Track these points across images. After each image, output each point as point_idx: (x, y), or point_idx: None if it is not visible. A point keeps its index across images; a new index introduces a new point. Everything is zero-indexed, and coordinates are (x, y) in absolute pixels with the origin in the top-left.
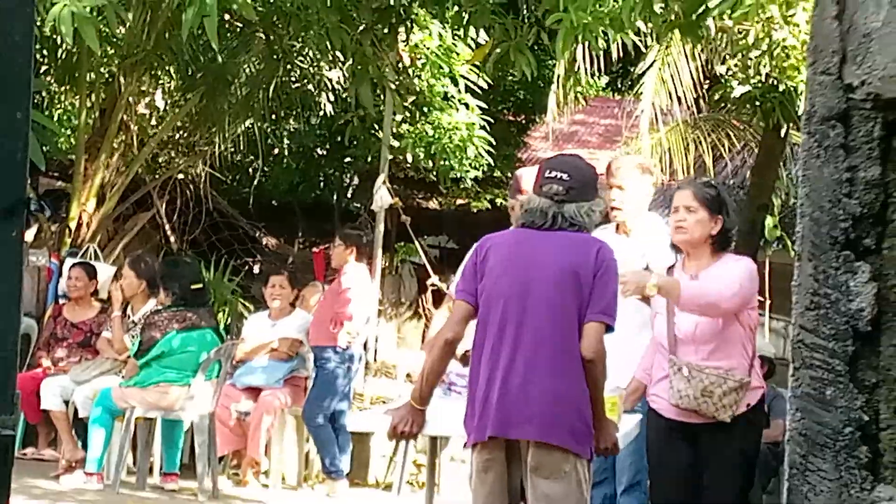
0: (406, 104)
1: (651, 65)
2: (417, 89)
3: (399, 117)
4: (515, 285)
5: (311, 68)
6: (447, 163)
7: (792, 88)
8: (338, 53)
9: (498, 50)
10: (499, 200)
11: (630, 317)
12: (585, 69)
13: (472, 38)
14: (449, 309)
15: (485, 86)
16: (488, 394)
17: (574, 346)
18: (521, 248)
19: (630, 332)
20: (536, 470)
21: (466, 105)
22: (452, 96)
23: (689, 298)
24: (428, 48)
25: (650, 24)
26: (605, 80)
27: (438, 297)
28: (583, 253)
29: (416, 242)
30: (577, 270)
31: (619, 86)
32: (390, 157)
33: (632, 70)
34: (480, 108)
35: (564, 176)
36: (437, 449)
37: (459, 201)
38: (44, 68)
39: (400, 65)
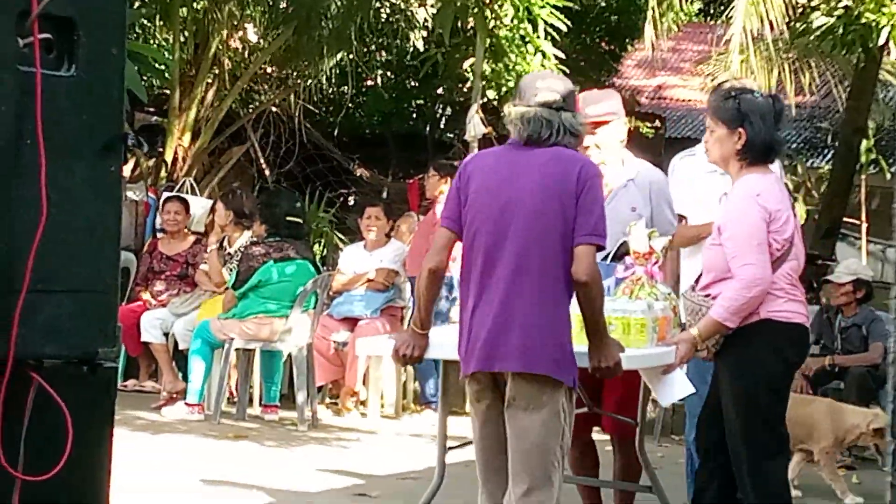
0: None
1: None
2: (496, 30)
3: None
4: (497, 211)
5: (400, 4)
6: None
7: (874, 23)
8: None
9: None
10: None
11: None
12: None
13: None
14: None
15: (564, 28)
16: (472, 325)
17: (558, 270)
18: (503, 170)
19: None
20: (514, 401)
21: (542, 53)
22: (528, 41)
23: (734, 311)
24: None
25: None
26: (697, 5)
27: None
28: (566, 171)
29: None
30: (561, 190)
31: (711, 11)
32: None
33: None
34: (557, 56)
35: (556, 85)
36: (448, 374)
37: None
38: (136, 4)
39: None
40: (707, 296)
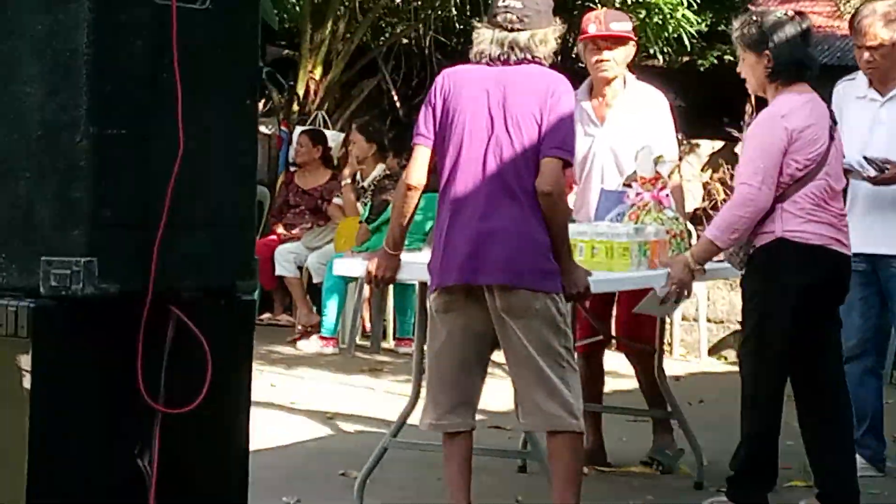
0: None
1: None
2: None
3: None
4: (476, 126)
5: None
6: (643, 40)
7: None
8: None
9: None
10: (727, 57)
11: None
12: None
13: None
14: None
15: None
16: (450, 238)
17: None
18: (480, 87)
19: None
20: (508, 311)
21: None
22: None
23: (723, 230)
24: None
25: None
26: None
27: None
28: (539, 87)
29: None
30: (534, 106)
31: None
32: None
33: None
34: None
35: (515, 4)
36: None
37: (685, 59)
38: None
39: None
40: None
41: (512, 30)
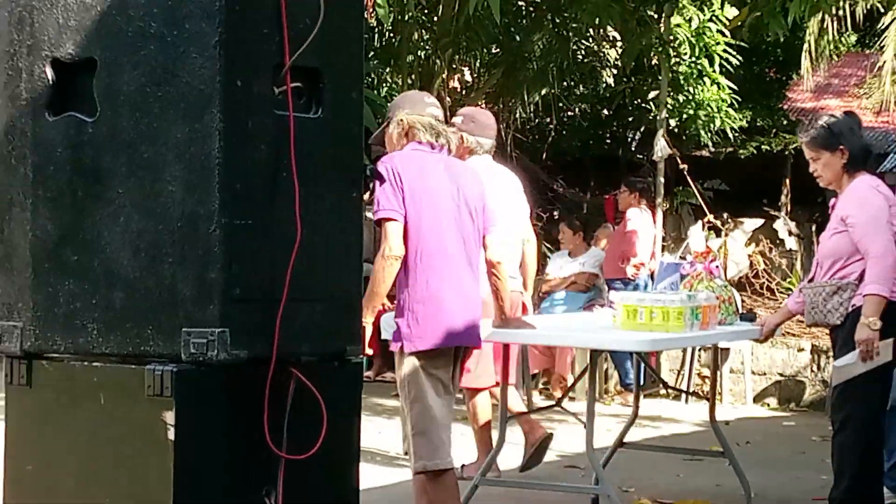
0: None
1: (890, 23)
2: (677, 66)
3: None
4: (445, 209)
5: (594, 46)
6: (694, 132)
7: None
8: (615, 34)
9: (753, 15)
10: (764, 147)
11: None
12: (836, 28)
13: (724, 17)
14: None
15: (736, 62)
16: (445, 306)
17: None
18: (437, 174)
19: None
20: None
21: (718, 84)
22: (706, 75)
23: (883, 281)
24: (685, 29)
25: None
26: (854, 37)
27: (715, 232)
28: (474, 176)
29: (693, 186)
30: (479, 194)
31: (868, 42)
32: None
33: (877, 27)
34: (730, 87)
35: (437, 102)
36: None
37: (729, 149)
38: (371, 54)
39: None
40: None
41: (441, 121)
